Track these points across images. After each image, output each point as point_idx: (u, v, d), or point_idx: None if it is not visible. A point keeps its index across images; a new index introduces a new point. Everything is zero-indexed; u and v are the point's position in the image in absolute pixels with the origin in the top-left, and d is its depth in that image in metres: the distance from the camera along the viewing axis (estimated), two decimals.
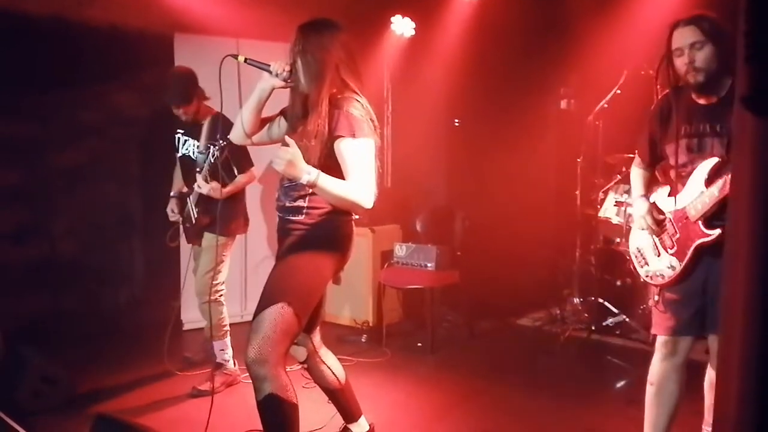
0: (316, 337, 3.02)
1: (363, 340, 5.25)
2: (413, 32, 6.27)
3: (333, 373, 3.03)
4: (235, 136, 2.97)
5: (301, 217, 2.67)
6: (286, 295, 2.54)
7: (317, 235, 2.66)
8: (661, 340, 2.74)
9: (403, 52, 6.41)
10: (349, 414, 3.14)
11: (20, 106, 5.57)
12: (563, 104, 6.18)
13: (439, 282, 5.18)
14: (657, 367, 2.76)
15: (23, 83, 5.31)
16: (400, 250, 5.33)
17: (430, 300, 5.13)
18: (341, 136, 2.55)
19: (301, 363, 3.04)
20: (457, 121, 6.62)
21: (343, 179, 2.56)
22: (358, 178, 2.53)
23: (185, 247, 4.82)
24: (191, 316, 5.23)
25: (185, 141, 4.27)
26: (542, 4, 5.65)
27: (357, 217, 2.88)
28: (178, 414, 3.77)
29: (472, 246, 5.59)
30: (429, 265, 5.14)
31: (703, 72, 2.50)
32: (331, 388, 3.06)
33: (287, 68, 2.68)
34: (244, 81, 4.60)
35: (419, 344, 5.10)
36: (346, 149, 2.55)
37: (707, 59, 2.49)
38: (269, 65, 2.71)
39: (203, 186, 3.97)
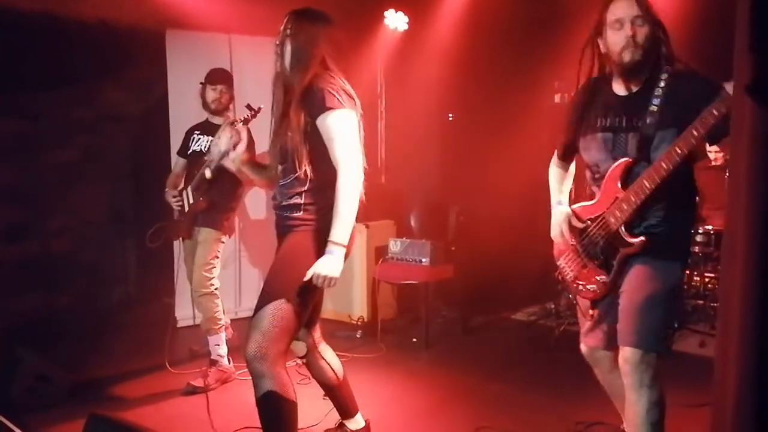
0: (317, 332, 3.02)
1: (358, 335, 5.24)
2: (407, 27, 6.26)
3: (332, 368, 3.02)
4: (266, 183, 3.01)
5: (299, 214, 2.67)
6: (286, 291, 2.54)
7: (316, 230, 2.65)
8: (595, 357, 2.66)
9: (396, 47, 6.39)
10: (346, 410, 3.13)
11: (11, 103, 5.53)
12: (557, 98, 6.17)
13: (433, 277, 5.17)
14: (602, 378, 2.71)
15: (14, 80, 5.27)
16: (395, 246, 5.32)
17: (425, 295, 5.13)
18: (318, 113, 2.58)
19: (300, 358, 3.03)
20: (450, 115, 6.61)
21: (328, 152, 2.61)
22: (341, 156, 2.57)
23: (178, 244, 4.80)
24: (184, 313, 5.21)
25: (199, 139, 4.30)
26: None
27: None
28: (172, 411, 3.75)
29: (466, 241, 5.59)
30: (423, 260, 5.13)
31: (641, 50, 2.34)
32: (330, 384, 3.05)
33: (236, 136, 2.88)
34: (237, 79, 4.56)
35: (414, 339, 5.10)
36: (324, 125, 2.58)
37: (647, 37, 2.35)
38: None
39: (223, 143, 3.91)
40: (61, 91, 5.81)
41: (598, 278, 2.53)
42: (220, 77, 4.25)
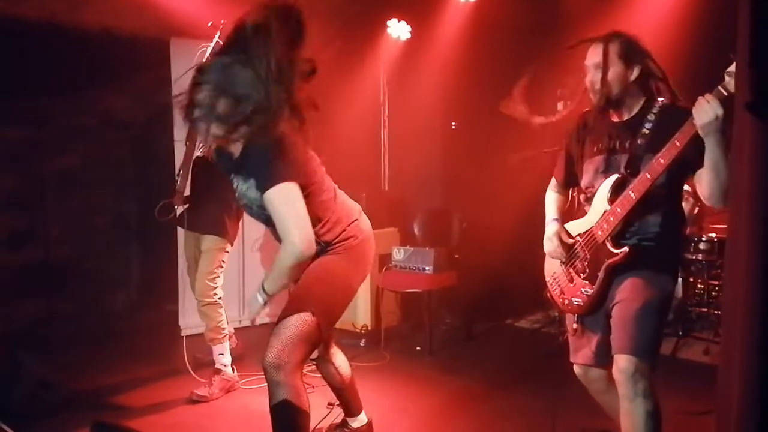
0: (329, 337, 3.08)
1: (362, 344, 5.23)
2: (409, 36, 6.28)
3: (339, 373, 3.13)
4: None
5: (324, 245, 2.71)
6: (313, 305, 2.57)
7: (346, 249, 2.73)
8: (589, 377, 2.69)
9: (399, 56, 6.42)
10: (351, 409, 3.23)
11: (14, 110, 5.56)
12: (560, 106, 6.17)
13: (436, 285, 5.17)
14: (598, 399, 2.74)
15: (17, 88, 5.29)
16: (398, 254, 5.32)
17: (428, 303, 5.13)
18: (261, 188, 2.50)
19: (312, 360, 3.07)
20: (454, 123, 6.62)
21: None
22: (282, 232, 2.48)
23: (182, 251, 4.80)
24: (189, 321, 5.22)
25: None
26: (538, 5, 5.66)
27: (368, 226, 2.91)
28: (176, 419, 3.75)
29: (469, 248, 5.59)
30: (427, 268, 5.13)
31: (599, 94, 2.49)
32: (337, 386, 3.17)
33: None
34: None
35: (418, 347, 5.09)
36: (266, 202, 2.50)
37: (605, 82, 2.45)
38: None
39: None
40: (64, 98, 5.83)
41: (582, 290, 2.59)
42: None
